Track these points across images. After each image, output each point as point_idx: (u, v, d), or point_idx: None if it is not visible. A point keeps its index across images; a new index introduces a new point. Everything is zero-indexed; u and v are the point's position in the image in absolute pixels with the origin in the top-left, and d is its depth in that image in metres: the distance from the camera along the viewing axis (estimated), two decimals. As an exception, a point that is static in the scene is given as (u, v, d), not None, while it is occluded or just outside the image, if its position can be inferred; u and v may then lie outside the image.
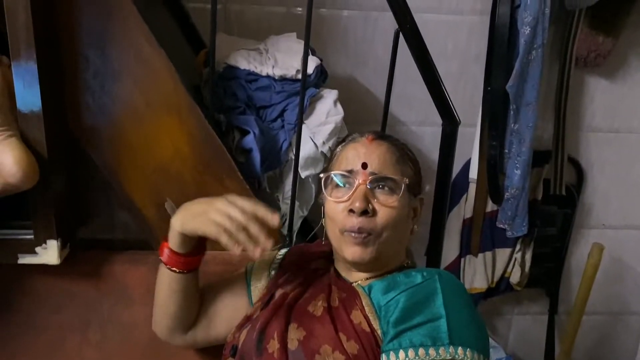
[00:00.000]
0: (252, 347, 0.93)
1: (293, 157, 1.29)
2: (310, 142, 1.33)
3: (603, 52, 1.70)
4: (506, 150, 1.67)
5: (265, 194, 1.33)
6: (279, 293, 1.00)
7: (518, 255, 1.82)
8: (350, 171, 0.93)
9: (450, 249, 1.83)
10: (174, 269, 1.01)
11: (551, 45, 1.68)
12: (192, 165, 1.18)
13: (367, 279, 0.96)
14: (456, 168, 1.77)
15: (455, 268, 1.83)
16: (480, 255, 1.82)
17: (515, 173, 1.66)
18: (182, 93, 1.13)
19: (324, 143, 1.33)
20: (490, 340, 1.91)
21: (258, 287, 1.08)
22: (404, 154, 0.97)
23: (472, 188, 1.75)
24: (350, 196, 0.92)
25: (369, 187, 0.91)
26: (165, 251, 1.00)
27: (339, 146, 1.01)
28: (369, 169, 0.91)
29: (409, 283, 0.87)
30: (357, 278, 0.97)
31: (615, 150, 1.85)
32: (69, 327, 1.19)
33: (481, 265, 1.82)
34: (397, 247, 0.96)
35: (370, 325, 0.87)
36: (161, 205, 1.19)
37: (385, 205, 0.91)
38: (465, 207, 1.78)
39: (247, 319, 1.02)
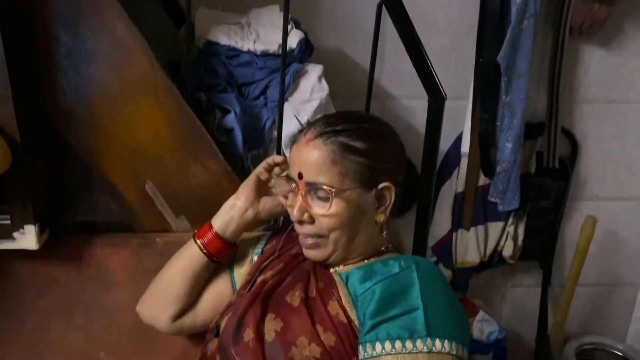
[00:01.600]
0: (230, 336, 0.92)
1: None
2: (295, 120, 1.30)
3: (598, 20, 1.65)
4: (498, 123, 1.63)
5: (249, 174, 1.30)
6: (259, 279, 0.99)
7: (511, 229, 1.81)
8: (292, 178, 0.93)
9: (442, 223, 1.82)
10: (210, 253, 1.03)
11: (545, 14, 1.63)
12: (172, 147, 1.15)
13: (345, 265, 0.95)
14: (448, 142, 1.75)
15: (447, 242, 1.82)
16: (473, 229, 1.80)
17: (506, 146, 1.64)
18: (158, 73, 1.10)
19: (308, 120, 1.30)
20: (484, 313, 1.92)
21: (241, 273, 1.07)
22: (346, 148, 0.88)
23: (464, 162, 1.72)
24: (291, 202, 0.94)
25: (306, 195, 0.91)
26: (209, 234, 1.03)
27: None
28: (304, 178, 0.90)
29: (385, 273, 0.86)
30: (334, 267, 0.96)
31: (611, 122, 1.82)
32: (53, 311, 1.18)
33: (473, 239, 1.81)
34: (360, 239, 0.94)
35: (347, 316, 0.86)
36: (142, 188, 1.17)
37: (320, 215, 0.90)
38: (457, 181, 1.76)
39: (230, 305, 1.02)
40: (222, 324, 0.99)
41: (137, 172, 1.16)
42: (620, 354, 2.03)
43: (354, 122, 0.93)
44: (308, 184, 0.90)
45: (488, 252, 1.84)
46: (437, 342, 0.79)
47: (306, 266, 0.99)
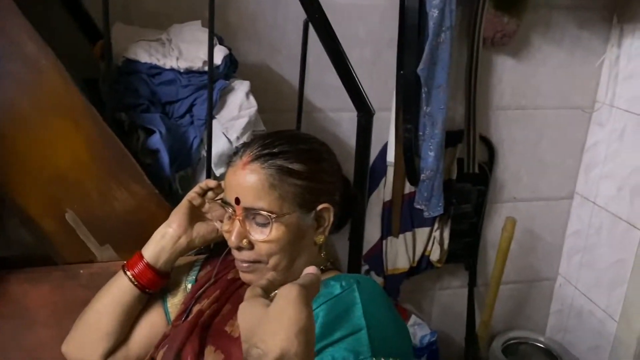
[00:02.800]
0: None
1: (205, 155, 1.23)
2: (223, 138, 1.27)
3: (508, 32, 1.74)
4: (420, 133, 1.68)
5: (177, 197, 1.25)
6: (195, 309, 0.95)
7: (437, 234, 1.87)
8: (228, 203, 0.90)
9: (372, 232, 1.84)
10: (142, 285, 0.98)
11: (459, 27, 1.70)
12: (93, 172, 1.09)
13: None
14: (374, 153, 1.77)
15: (377, 250, 1.85)
16: (401, 236, 1.84)
17: (429, 155, 1.69)
18: (74, 93, 1.04)
19: (238, 138, 1.27)
20: (416, 318, 1.97)
21: (175, 303, 1.03)
22: (284, 171, 0.87)
23: (390, 171, 1.76)
24: (229, 229, 0.90)
25: (244, 220, 0.88)
26: (140, 265, 0.98)
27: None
28: (242, 204, 0.87)
29: (327, 295, 0.85)
30: (275, 291, 0.94)
31: (523, 127, 1.92)
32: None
33: (402, 245, 1.85)
34: (300, 261, 0.92)
35: None
36: (62, 217, 1.10)
37: (260, 240, 0.88)
38: (385, 191, 1.79)
39: (165, 337, 0.97)
40: (159, 358, 0.94)
41: (55, 200, 1.09)
42: (541, 345, 2.14)
43: (292, 144, 0.91)
44: (246, 209, 0.88)
45: (417, 257, 1.88)
46: None
47: (244, 292, 0.96)
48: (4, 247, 1.12)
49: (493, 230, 2.02)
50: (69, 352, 1.02)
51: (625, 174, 1.82)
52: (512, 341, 2.16)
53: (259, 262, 0.90)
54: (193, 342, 0.88)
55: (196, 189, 1.02)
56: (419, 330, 1.93)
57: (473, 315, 2.05)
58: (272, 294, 0.65)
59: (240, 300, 0.95)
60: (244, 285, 0.97)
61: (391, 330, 0.84)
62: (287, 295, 0.60)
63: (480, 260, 2.05)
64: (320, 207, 0.90)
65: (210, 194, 1.03)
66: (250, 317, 0.61)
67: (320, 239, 0.93)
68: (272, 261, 0.89)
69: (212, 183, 1.02)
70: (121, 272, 0.99)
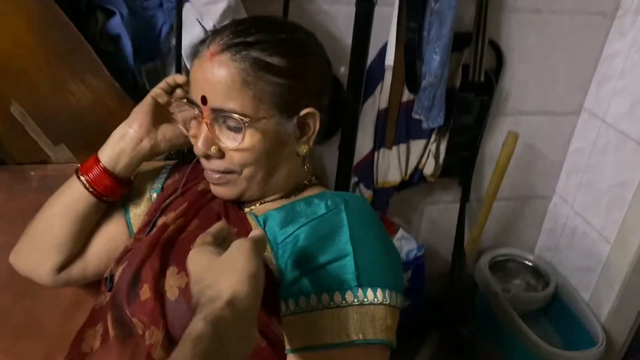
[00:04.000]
0: (124, 291, 0.77)
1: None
2: (198, 26, 1.09)
3: None
4: (425, 34, 1.50)
5: (143, 93, 1.09)
6: (160, 222, 0.83)
7: (433, 147, 1.74)
8: (194, 102, 0.76)
9: (364, 142, 1.70)
10: (98, 192, 0.86)
11: None
12: (40, 59, 0.93)
13: (261, 204, 0.81)
14: (371, 54, 1.59)
15: (369, 162, 1.73)
16: (395, 147, 1.71)
17: (434, 59, 1.52)
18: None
19: (214, 26, 1.09)
20: (403, 232, 1.89)
21: (138, 214, 0.91)
22: (261, 65, 0.73)
23: (388, 76, 1.59)
24: (196, 134, 0.77)
25: (212, 123, 0.75)
26: (96, 169, 0.85)
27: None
28: (209, 104, 0.73)
29: (310, 215, 0.73)
30: (249, 205, 0.81)
31: (536, 33, 1.73)
32: None
33: (395, 158, 1.73)
34: (280, 174, 0.80)
35: (266, 266, 0.73)
36: (7, 111, 0.95)
37: (230, 148, 0.74)
38: (381, 98, 1.63)
39: (127, 251, 0.86)
40: (117, 274, 0.83)
41: (-3, 91, 0.93)
42: (530, 263, 2.10)
43: (271, 32, 0.75)
44: (214, 110, 0.74)
45: (409, 171, 1.77)
46: (369, 293, 0.69)
47: (215, 206, 0.84)
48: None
49: (493, 145, 1.90)
50: (17, 263, 0.91)
51: (642, 90, 1.67)
52: (499, 258, 2.11)
53: (231, 172, 0.77)
54: (153, 261, 0.77)
55: (162, 84, 0.87)
56: (405, 244, 1.86)
57: (462, 231, 1.98)
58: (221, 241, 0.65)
59: (210, 216, 0.83)
60: (215, 199, 0.85)
61: (380, 257, 0.73)
62: (240, 246, 0.62)
63: (476, 175, 1.94)
64: (304, 111, 0.76)
65: (178, 91, 0.88)
66: (201, 263, 0.62)
67: (304, 149, 0.80)
68: (246, 172, 0.77)
69: (180, 78, 0.86)
70: (75, 177, 0.86)
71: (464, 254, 2.00)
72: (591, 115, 1.88)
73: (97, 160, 0.85)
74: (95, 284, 0.96)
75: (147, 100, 0.86)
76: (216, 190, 0.81)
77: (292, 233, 0.72)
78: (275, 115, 0.75)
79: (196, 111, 0.76)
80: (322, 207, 0.74)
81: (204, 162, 0.79)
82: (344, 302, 0.68)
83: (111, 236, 0.91)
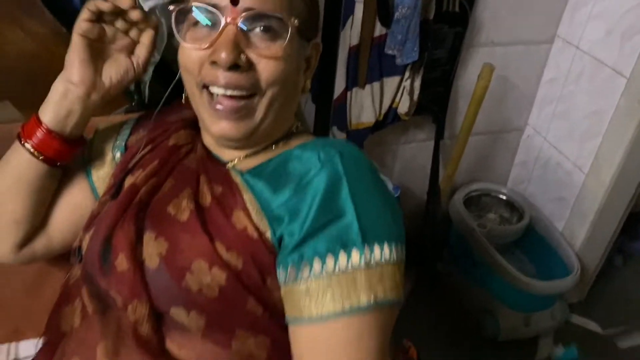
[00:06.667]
0: (96, 263, 0.69)
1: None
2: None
3: None
4: (398, -40, 1.39)
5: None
6: (127, 183, 0.74)
7: (407, 83, 1.66)
8: (214, 5, 0.64)
9: (336, 82, 1.62)
10: (48, 157, 0.74)
11: None
12: (-31, 2, 0.79)
13: (245, 157, 0.72)
14: (340, -15, 1.47)
15: (342, 102, 1.64)
16: (368, 86, 1.63)
17: (407, -11, 1.42)
18: None
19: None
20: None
21: (101, 177, 0.81)
22: None
23: (359, 9, 1.48)
24: (213, 41, 0.64)
25: (242, 28, 0.64)
26: (39, 132, 0.73)
27: None
28: (241, 3, 0.62)
29: (304, 173, 0.65)
30: (232, 156, 0.73)
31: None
32: None
33: (368, 97, 1.65)
34: (284, 113, 0.71)
35: (257, 228, 0.65)
36: None
37: (267, 56, 0.64)
38: (351, 33, 1.53)
39: (93, 217, 0.77)
40: (85, 243, 0.75)
41: None
42: (503, 197, 2.10)
43: None
44: (249, 9, 0.63)
45: (384, 110, 1.70)
46: (376, 249, 0.63)
47: (192, 162, 0.75)
48: None
49: (467, 78, 1.83)
50: None
51: (618, 14, 1.62)
52: (473, 193, 2.10)
53: (253, 95, 0.67)
54: (127, 228, 0.68)
55: (84, 15, 0.72)
56: (382, 187, 1.81)
57: (437, 169, 1.94)
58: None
59: (188, 174, 0.74)
60: (189, 154, 0.76)
61: (381, 210, 0.67)
62: None
63: (450, 111, 1.88)
64: (314, 41, 0.72)
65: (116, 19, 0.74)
66: None
67: (308, 84, 0.74)
68: (269, 93, 0.67)
69: (101, 4, 0.72)
70: (17, 143, 0.75)
71: (438, 191, 1.97)
72: (565, 42, 1.83)
73: (40, 122, 0.74)
74: (60, 256, 0.88)
75: (77, 43, 0.72)
76: (223, 126, 0.68)
77: (288, 198, 0.65)
78: (301, 38, 0.69)
79: (216, 14, 0.64)
80: (316, 162, 0.66)
81: (214, 74, 0.65)
82: (349, 264, 0.62)
83: (75, 204, 0.82)
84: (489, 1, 1.70)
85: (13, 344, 0.97)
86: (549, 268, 1.88)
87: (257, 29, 0.65)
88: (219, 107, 0.67)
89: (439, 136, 1.90)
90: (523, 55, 1.87)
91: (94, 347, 0.67)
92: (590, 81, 1.76)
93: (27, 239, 0.81)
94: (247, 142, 0.71)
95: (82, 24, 0.72)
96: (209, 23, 0.65)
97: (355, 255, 0.62)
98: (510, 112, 2.02)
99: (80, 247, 0.76)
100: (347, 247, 0.62)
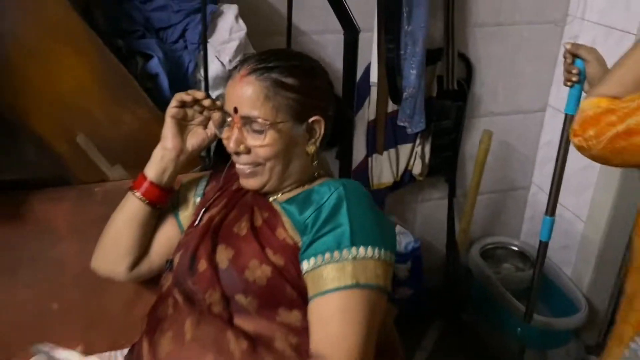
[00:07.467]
0: (185, 269, 1.00)
1: (201, 79, 1.30)
2: (217, 61, 1.33)
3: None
4: (402, 52, 1.76)
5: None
6: (205, 217, 1.06)
7: (418, 149, 1.98)
8: (227, 112, 0.99)
9: (358, 150, 1.95)
10: (151, 201, 1.07)
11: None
12: (99, 97, 1.16)
13: (282, 194, 1.03)
14: (358, 73, 1.84)
15: (364, 167, 1.97)
16: (385, 152, 1.96)
17: (411, 73, 1.77)
18: (76, 21, 1.10)
19: (230, 61, 1.34)
20: (400, 227, 2.12)
21: (186, 215, 1.13)
22: (279, 84, 0.95)
23: (374, 91, 1.84)
24: (228, 136, 0.99)
25: (242, 128, 0.97)
26: (145, 184, 1.06)
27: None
28: (239, 112, 0.96)
29: (319, 200, 0.96)
30: (272, 195, 1.04)
31: (499, 43, 2.00)
32: (-3, 271, 1.18)
33: (386, 161, 1.97)
34: (293, 168, 1.02)
35: (292, 239, 0.96)
36: (73, 140, 1.18)
37: (256, 146, 0.97)
38: (369, 110, 1.88)
39: (180, 244, 1.08)
40: (176, 260, 1.05)
41: (65, 124, 1.16)
42: (516, 249, 2.33)
43: (286, 60, 0.99)
44: (243, 117, 0.97)
45: (400, 172, 2.01)
46: (361, 249, 0.91)
47: (248, 200, 1.06)
48: (21, 170, 1.19)
49: (471, 144, 2.14)
50: (98, 267, 1.13)
51: (594, 84, 1.93)
52: (489, 246, 2.34)
53: (257, 164, 0.99)
54: (206, 243, 1.00)
55: (173, 103, 1.06)
56: (403, 238, 2.08)
57: (453, 224, 2.21)
58: None
59: (246, 207, 1.06)
60: (247, 194, 1.07)
61: (371, 223, 0.96)
62: None
63: (459, 172, 2.18)
64: (311, 119, 1.00)
65: (206, 102, 1.07)
66: None
67: (312, 149, 1.02)
68: (269, 164, 0.99)
69: (184, 96, 1.06)
70: (130, 194, 1.08)
71: (456, 245, 2.23)
72: (555, 110, 2.14)
73: (145, 177, 1.08)
74: (149, 281, 1.18)
75: (169, 122, 1.06)
76: (247, 182, 1.02)
77: (309, 216, 0.95)
78: (289, 121, 0.98)
79: (229, 119, 0.99)
80: (327, 191, 0.96)
81: (235, 158, 1.00)
82: (341, 258, 0.90)
83: (168, 237, 1.13)
84: (484, 79, 2.04)
85: (113, 353, 1.25)
86: (560, 308, 2.08)
87: (250, 128, 0.97)
88: (240, 169, 1.01)
89: (451, 194, 2.19)
90: (521, 122, 2.18)
91: (183, 323, 0.96)
92: (578, 141, 2.04)
93: (136, 263, 1.12)
94: (269, 188, 1.02)
95: (171, 109, 1.07)
96: (226, 125, 1.00)
97: (345, 252, 0.90)
98: (516, 173, 2.30)
99: (172, 260, 1.07)
100: (340, 247, 0.91)
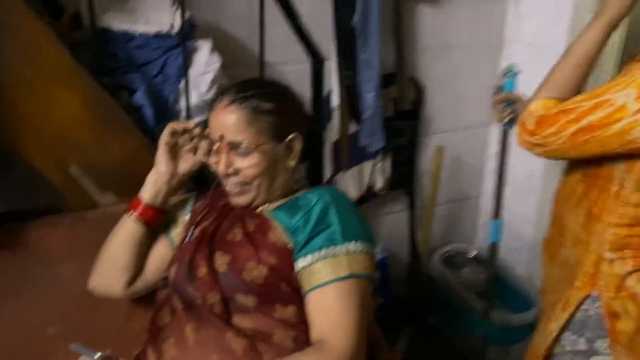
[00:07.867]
0: (183, 277, 1.10)
1: (181, 108, 1.41)
2: (195, 92, 1.45)
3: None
4: (359, 78, 1.92)
5: (161, 145, 1.44)
6: (197, 232, 1.16)
7: (379, 165, 2.14)
8: (215, 140, 1.11)
9: (325, 169, 2.09)
10: (146, 221, 1.16)
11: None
12: (90, 128, 1.26)
13: (269, 204, 1.16)
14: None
15: (332, 184, 2.10)
16: (350, 170, 2.10)
17: (369, 96, 1.94)
18: (69, 62, 1.19)
19: (207, 91, 1.46)
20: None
21: (178, 233, 1.23)
22: (257, 110, 1.07)
23: (336, 114, 1.99)
24: (217, 161, 1.11)
25: (229, 152, 1.09)
26: (141, 206, 1.16)
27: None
28: (225, 139, 1.08)
29: (307, 205, 1.09)
30: (261, 206, 1.16)
31: (444, 66, 2.20)
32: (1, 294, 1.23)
33: (351, 178, 2.11)
34: (278, 182, 1.14)
35: (283, 242, 1.07)
36: (66, 171, 1.26)
37: (243, 167, 1.09)
38: (332, 132, 2.03)
39: (174, 259, 1.18)
40: (172, 272, 1.15)
41: (58, 154, 1.25)
42: (473, 254, 2.50)
43: (261, 87, 1.13)
44: (229, 143, 1.09)
45: (364, 188, 2.16)
46: (352, 244, 1.05)
47: (237, 212, 1.18)
48: (15, 202, 1.26)
49: (426, 159, 2.32)
50: (96, 287, 1.21)
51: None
52: (448, 253, 2.50)
53: (246, 183, 1.12)
54: (203, 251, 1.10)
55: (166, 131, 1.17)
56: (370, 251, 2.22)
57: (414, 234, 2.37)
58: None
59: (236, 218, 1.18)
60: (234, 208, 1.18)
61: (357, 222, 1.10)
62: None
63: (417, 185, 2.35)
64: (289, 137, 1.13)
65: (197, 130, 1.19)
66: None
67: (292, 163, 1.15)
68: (256, 182, 1.12)
69: (175, 126, 1.17)
70: (126, 216, 1.18)
71: (419, 254, 2.39)
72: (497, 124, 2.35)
73: (140, 200, 1.18)
74: (141, 299, 1.27)
75: (162, 149, 1.17)
76: (237, 200, 1.14)
77: (299, 219, 1.07)
78: (270, 142, 1.10)
79: (215, 146, 1.11)
80: (314, 197, 1.09)
81: (225, 180, 1.12)
82: (335, 253, 1.03)
83: (161, 254, 1.23)
84: (433, 101, 2.23)
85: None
86: (516, 306, 2.25)
87: (236, 152, 1.09)
88: (230, 189, 1.13)
89: (411, 207, 2.35)
90: (469, 137, 2.38)
91: (183, 329, 1.06)
92: (521, 152, 2.24)
93: (132, 280, 1.20)
94: (258, 202, 1.14)
95: (165, 137, 1.18)
96: (215, 153, 1.12)
97: (339, 247, 1.03)
98: (468, 183, 2.49)
99: (167, 277, 1.17)
100: (334, 243, 1.04)
